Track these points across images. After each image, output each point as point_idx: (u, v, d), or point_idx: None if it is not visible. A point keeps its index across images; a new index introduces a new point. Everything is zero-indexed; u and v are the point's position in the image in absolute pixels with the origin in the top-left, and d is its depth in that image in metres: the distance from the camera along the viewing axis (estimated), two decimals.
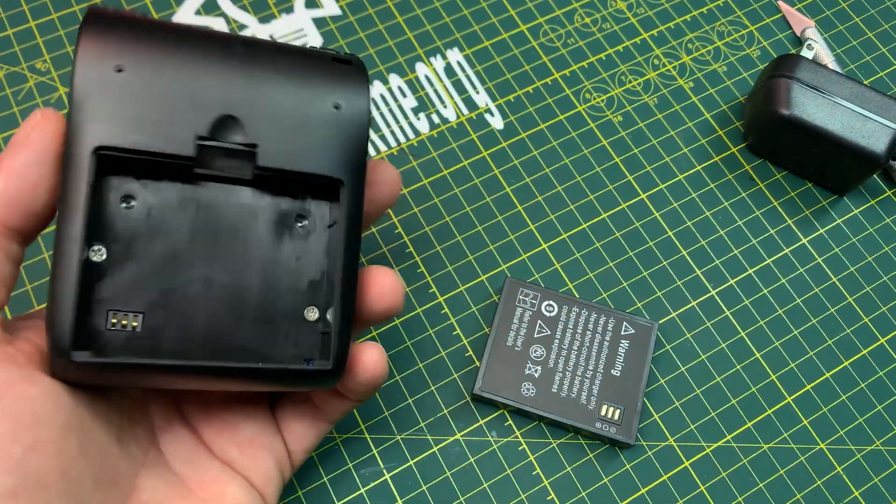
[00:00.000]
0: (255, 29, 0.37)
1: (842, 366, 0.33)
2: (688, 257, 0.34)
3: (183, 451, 0.24)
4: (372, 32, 0.37)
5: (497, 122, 0.36)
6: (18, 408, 0.18)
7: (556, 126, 0.36)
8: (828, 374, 0.32)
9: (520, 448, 0.30)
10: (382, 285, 0.24)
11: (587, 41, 0.38)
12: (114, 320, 0.20)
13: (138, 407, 0.23)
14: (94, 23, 0.20)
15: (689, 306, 0.33)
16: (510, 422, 0.31)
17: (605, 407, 0.30)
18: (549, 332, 0.31)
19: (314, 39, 0.37)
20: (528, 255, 0.34)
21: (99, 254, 0.20)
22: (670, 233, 0.35)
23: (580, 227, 0.34)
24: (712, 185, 0.36)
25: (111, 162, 0.20)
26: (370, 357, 0.24)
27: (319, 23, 0.37)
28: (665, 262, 0.34)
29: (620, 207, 0.35)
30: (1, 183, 0.20)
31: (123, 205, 0.21)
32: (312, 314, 0.22)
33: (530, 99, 0.37)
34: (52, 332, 0.19)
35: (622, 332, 0.31)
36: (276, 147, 0.21)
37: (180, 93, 0.20)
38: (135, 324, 0.20)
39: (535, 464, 0.30)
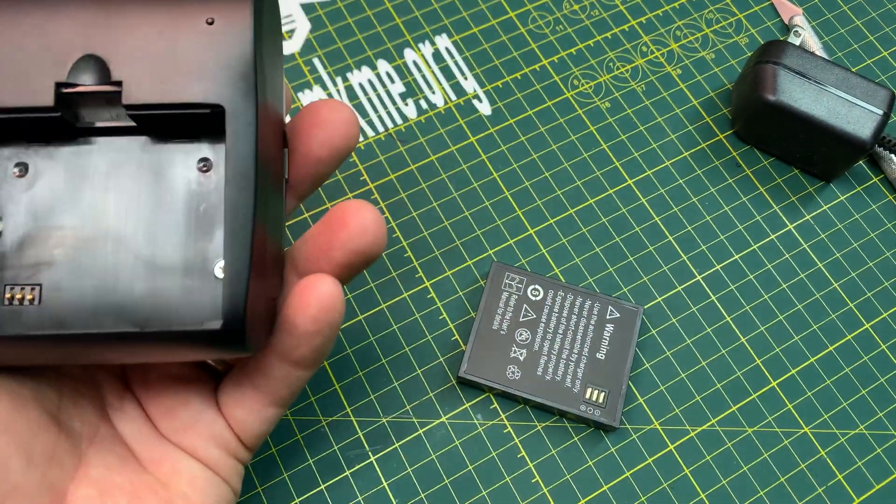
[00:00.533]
0: None
1: (826, 351, 0.33)
2: (674, 243, 0.34)
3: (135, 428, 0.23)
4: (360, 18, 0.37)
5: (485, 108, 0.36)
6: None
7: (543, 112, 0.36)
8: (813, 359, 0.33)
9: (505, 431, 0.30)
10: (360, 220, 0.21)
11: (575, 28, 0.38)
12: (9, 295, 0.19)
13: (84, 384, 0.22)
14: None
15: (674, 291, 0.33)
16: (495, 405, 0.31)
17: (589, 390, 0.30)
18: (535, 316, 0.31)
19: (303, 25, 0.37)
20: (514, 240, 0.34)
21: None
22: (657, 218, 0.35)
23: (567, 213, 0.34)
24: (699, 172, 0.36)
25: None
26: (315, 291, 0.20)
27: (308, 8, 0.37)
28: (651, 248, 0.34)
29: (607, 193, 0.35)
30: None
31: (17, 173, 0.19)
32: (221, 270, 0.20)
33: (518, 85, 0.37)
34: None
35: (607, 316, 0.31)
36: (143, 80, 0.19)
37: (34, 40, 0.19)
38: (30, 297, 0.19)
39: (520, 447, 0.30)
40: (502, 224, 0.34)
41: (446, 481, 0.29)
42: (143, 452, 0.22)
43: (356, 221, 0.21)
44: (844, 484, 0.31)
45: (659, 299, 0.33)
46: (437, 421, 0.30)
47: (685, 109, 0.37)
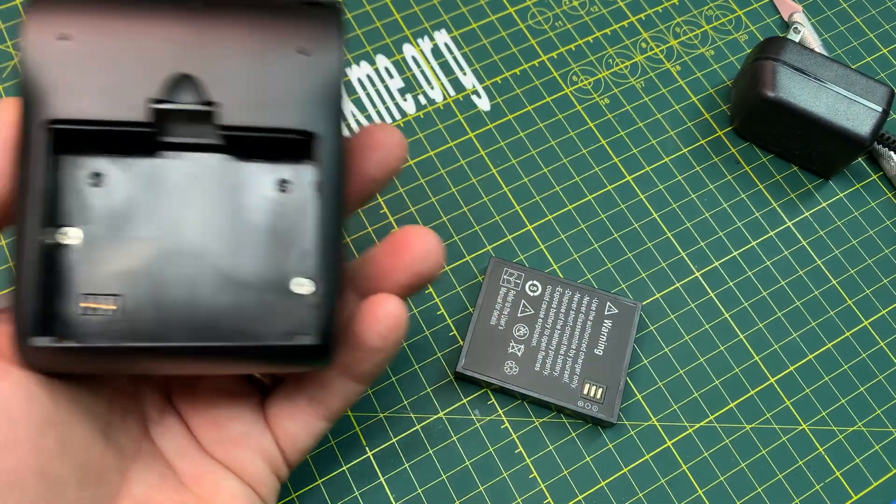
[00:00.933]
0: None
1: (825, 347, 0.33)
2: (672, 239, 0.34)
3: (176, 444, 0.22)
4: (359, 13, 0.37)
5: (484, 104, 0.36)
6: None
7: (542, 108, 0.36)
8: (811, 356, 0.33)
9: (502, 427, 0.30)
10: (423, 245, 0.22)
11: (575, 24, 0.38)
12: (86, 305, 0.19)
13: (130, 398, 0.22)
14: None
15: (673, 288, 0.33)
16: (493, 400, 0.31)
17: (587, 386, 0.30)
18: (533, 312, 0.31)
19: None
20: (513, 235, 0.34)
21: (68, 236, 0.19)
22: (655, 215, 0.35)
23: (565, 209, 0.34)
24: (698, 168, 0.36)
25: (70, 138, 0.19)
26: (384, 309, 0.21)
27: None
28: (650, 244, 0.34)
29: (606, 189, 0.35)
30: None
31: (92, 183, 0.20)
32: (300, 287, 0.20)
33: (517, 81, 0.37)
34: (14, 319, 0.18)
35: (606, 312, 0.31)
36: (238, 103, 0.19)
37: (131, 56, 0.19)
38: (110, 307, 0.19)
39: (518, 442, 0.30)
40: (501, 220, 0.34)
41: (443, 477, 0.29)
42: (185, 469, 0.22)
43: (420, 245, 0.22)
44: (842, 481, 0.31)
45: (657, 296, 0.33)
46: (435, 416, 0.30)
47: (684, 106, 0.37)
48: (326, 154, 0.20)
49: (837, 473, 0.31)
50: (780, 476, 0.30)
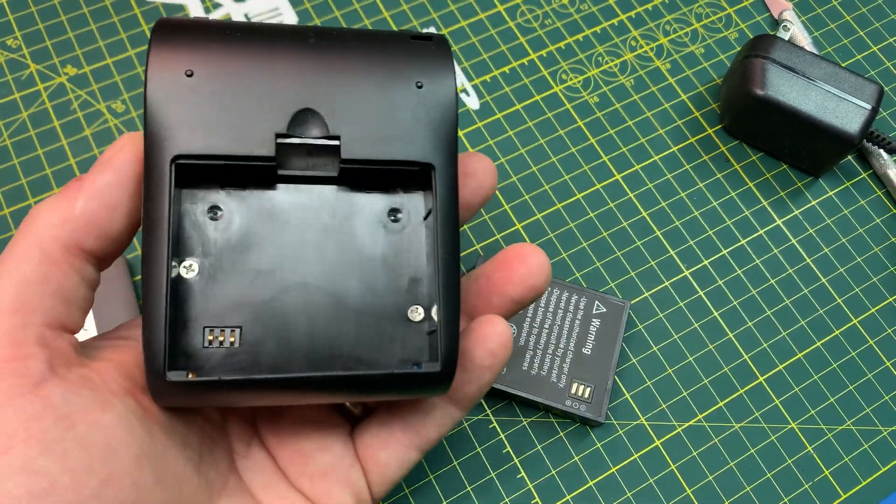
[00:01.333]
0: (230, 8, 0.37)
1: (814, 346, 0.33)
2: (662, 238, 0.34)
3: (262, 477, 0.22)
4: (348, 11, 0.37)
5: (473, 102, 0.36)
6: (93, 437, 0.18)
7: (532, 106, 0.36)
8: (800, 355, 0.33)
9: (490, 426, 0.30)
10: (537, 260, 0.22)
11: (564, 22, 0.38)
12: (210, 337, 0.19)
13: (218, 430, 0.22)
14: (161, 31, 0.19)
15: (662, 286, 0.33)
16: (481, 400, 0.31)
17: (575, 385, 0.30)
18: (521, 311, 0.31)
19: (289, 18, 0.37)
20: (501, 234, 0.34)
21: (191, 270, 0.19)
22: (644, 213, 0.34)
23: (554, 207, 0.34)
24: (688, 167, 0.36)
25: (192, 172, 0.19)
26: (494, 328, 0.21)
27: (295, 2, 0.37)
28: (639, 243, 0.34)
29: (595, 188, 0.35)
30: (80, 203, 0.19)
31: (210, 216, 0.20)
32: (417, 314, 0.21)
33: (507, 79, 0.37)
34: (147, 354, 0.18)
35: (594, 311, 0.31)
36: (359, 137, 0.20)
37: (254, 91, 0.19)
38: (232, 339, 0.19)
39: (506, 442, 0.30)
40: (489, 218, 0.34)
41: (431, 477, 0.29)
42: (272, 502, 0.22)
43: (534, 260, 0.23)
44: (831, 479, 0.30)
45: (646, 294, 0.33)
46: None
47: (674, 104, 0.37)
48: (443, 183, 0.20)
49: (826, 472, 0.31)
50: (768, 475, 0.30)
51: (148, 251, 0.18)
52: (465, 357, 0.22)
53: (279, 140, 0.19)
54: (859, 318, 0.33)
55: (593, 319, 0.31)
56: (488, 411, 0.30)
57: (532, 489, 0.29)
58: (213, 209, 0.20)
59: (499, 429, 0.30)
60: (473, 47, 0.37)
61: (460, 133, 0.35)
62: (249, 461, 0.22)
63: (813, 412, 0.32)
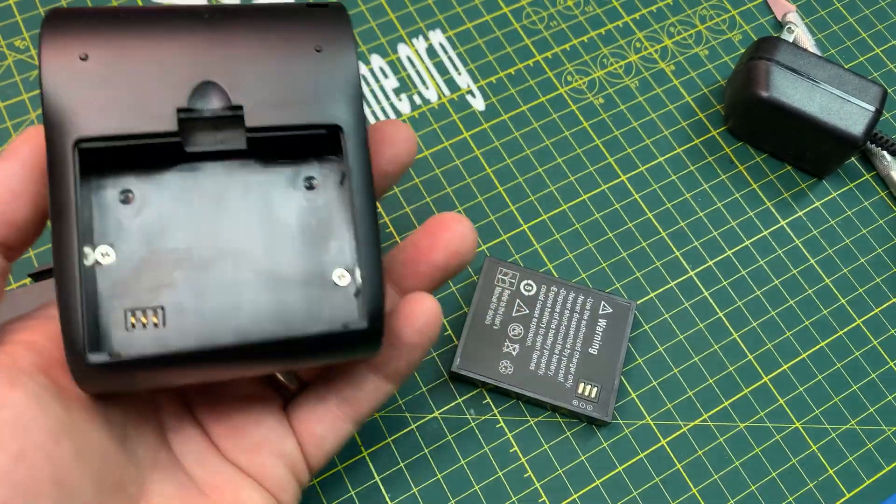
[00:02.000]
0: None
1: (818, 346, 0.33)
2: (667, 238, 0.34)
3: (195, 452, 0.22)
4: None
5: (478, 104, 0.36)
6: (1, 415, 0.18)
7: (537, 108, 0.36)
8: (804, 355, 0.33)
9: (497, 426, 0.30)
10: (460, 227, 0.23)
11: (569, 24, 0.38)
12: (132, 320, 0.19)
13: (147, 406, 0.22)
14: (53, 19, 0.19)
15: (667, 287, 0.33)
16: (488, 400, 0.31)
17: (582, 385, 0.30)
18: (528, 311, 0.31)
19: None
20: (508, 235, 0.34)
21: (107, 256, 0.19)
22: (650, 214, 0.35)
23: (560, 209, 0.34)
24: (692, 168, 0.36)
25: (98, 156, 0.19)
26: (421, 305, 0.22)
27: None
28: (644, 243, 0.34)
29: (601, 189, 0.35)
30: None
31: (122, 200, 0.20)
32: (343, 278, 0.21)
33: (512, 81, 0.37)
34: (67, 340, 0.18)
35: (600, 312, 0.31)
36: (262, 105, 0.20)
37: (150, 69, 0.19)
38: (155, 320, 0.19)
39: (513, 441, 0.30)
40: (496, 219, 0.34)
41: (438, 476, 0.29)
42: (204, 478, 0.22)
43: (457, 227, 0.23)
44: (836, 479, 0.31)
45: (651, 295, 0.33)
46: (430, 416, 0.30)
47: (678, 106, 0.37)
48: (353, 145, 0.20)
49: (831, 471, 0.31)
50: (773, 474, 0.31)
51: (57, 238, 0.18)
52: (394, 335, 0.22)
53: (181, 115, 0.19)
54: (863, 319, 0.34)
55: (600, 320, 0.31)
56: (495, 411, 0.31)
57: (539, 488, 0.30)
58: (125, 192, 0.20)
59: (506, 428, 0.30)
60: (479, 49, 0.37)
61: (467, 134, 0.35)
62: (182, 437, 0.22)
63: (817, 412, 0.32)
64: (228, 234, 0.20)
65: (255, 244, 0.20)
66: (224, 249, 0.20)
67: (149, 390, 0.21)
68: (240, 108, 0.20)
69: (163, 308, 0.19)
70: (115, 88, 0.19)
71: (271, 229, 0.21)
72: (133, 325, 0.19)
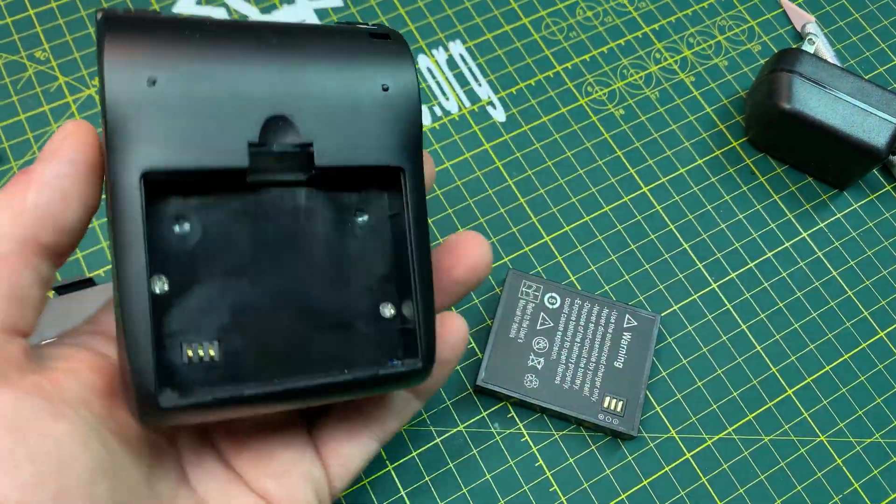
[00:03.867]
0: (258, 20, 0.37)
1: (842, 359, 0.33)
2: (689, 250, 0.34)
3: (216, 485, 0.21)
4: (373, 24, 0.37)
5: (499, 115, 0.36)
6: (44, 449, 0.17)
7: (557, 119, 0.36)
8: (828, 367, 0.33)
9: (522, 440, 0.30)
10: (478, 244, 0.23)
11: (589, 35, 0.38)
12: (189, 353, 0.18)
13: (166, 440, 0.21)
14: (114, 30, 0.18)
15: (690, 299, 0.33)
16: (513, 413, 0.31)
17: (607, 399, 0.30)
18: (552, 324, 0.31)
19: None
20: (530, 247, 0.34)
21: (160, 284, 0.18)
22: (672, 226, 0.35)
23: (582, 220, 0.34)
24: (713, 179, 0.36)
25: (162, 185, 0.18)
26: (452, 324, 0.23)
27: (321, 14, 0.37)
28: (667, 256, 0.34)
29: (622, 201, 0.35)
30: (31, 195, 0.18)
31: (177, 227, 0.19)
32: (388, 311, 0.21)
33: (532, 92, 0.37)
34: (135, 379, 0.17)
35: (625, 325, 0.31)
36: (330, 142, 0.20)
37: (221, 99, 0.18)
38: (212, 353, 0.19)
39: (538, 455, 0.30)
40: (518, 231, 0.34)
41: (464, 490, 0.29)
42: None
43: (474, 245, 0.24)
44: (861, 492, 0.31)
45: (675, 307, 0.33)
46: (455, 429, 0.30)
47: (699, 117, 0.37)
48: (412, 186, 0.21)
49: (856, 485, 0.31)
50: (798, 488, 0.30)
51: (123, 272, 0.17)
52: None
53: (252, 149, 0.19)
54: (886, 331, 0.34)
55: (624, 333, 0.31)
56: (520, 425, 0.31)
57: (565, 502, 0.29)
58: (178, 219, 0.19)
59: (531, 442, 0.30)
60: (499, 59, 0.37)
61: (488, 146, 0.35)
62: (202, 470, 0.22)
63: (842, 425, 0.32)
64: (280, 264, 0.20)
65: (305, 274, 0.20)
66: (276, 279, 0.20)
67: (202, 423, 0.21)
68: (310, 144, 0.19)
69: (218, 340, 0.19)
70: (185, 118, 0.18)
71: (321, 260, 0.20)
72: (190, 359, 0.19)
